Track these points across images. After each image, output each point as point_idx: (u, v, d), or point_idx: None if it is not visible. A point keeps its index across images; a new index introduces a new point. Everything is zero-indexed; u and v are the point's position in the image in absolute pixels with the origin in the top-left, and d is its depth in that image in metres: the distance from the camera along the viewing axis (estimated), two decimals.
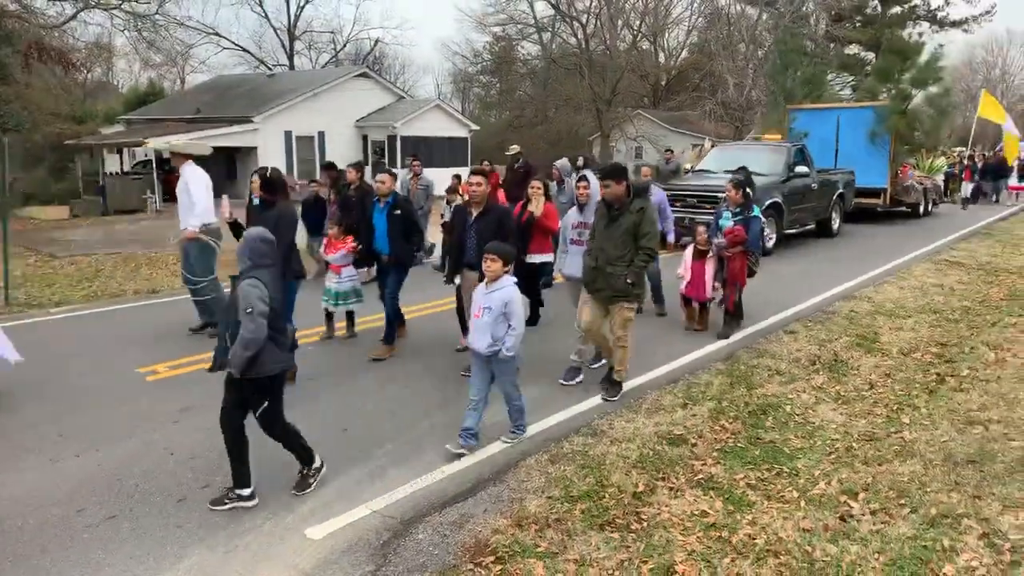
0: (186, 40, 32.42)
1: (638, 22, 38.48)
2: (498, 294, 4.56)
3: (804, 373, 6.31)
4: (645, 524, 3.85)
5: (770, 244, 12.26)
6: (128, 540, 3.69)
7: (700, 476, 4.39)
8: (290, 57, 42.41)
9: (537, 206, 7.30)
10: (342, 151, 25.16)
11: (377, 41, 45.93)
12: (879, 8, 39.32)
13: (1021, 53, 62.55)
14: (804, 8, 38.66)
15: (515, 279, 4.65)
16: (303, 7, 42.36)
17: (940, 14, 40.59)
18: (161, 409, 5.42)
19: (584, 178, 6.35)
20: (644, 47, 40.98)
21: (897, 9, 39.37)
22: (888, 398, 5.73)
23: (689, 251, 7.67)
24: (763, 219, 7.38)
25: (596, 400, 5.65)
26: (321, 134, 24.60)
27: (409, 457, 4.65)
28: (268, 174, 6.14)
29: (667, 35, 42.64)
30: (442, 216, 9.52)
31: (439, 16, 73.10)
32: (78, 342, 7.32)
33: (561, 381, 5.95)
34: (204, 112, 24.50)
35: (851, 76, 35.43)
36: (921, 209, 18.70)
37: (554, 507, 4.01)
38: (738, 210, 7.42)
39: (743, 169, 8.50)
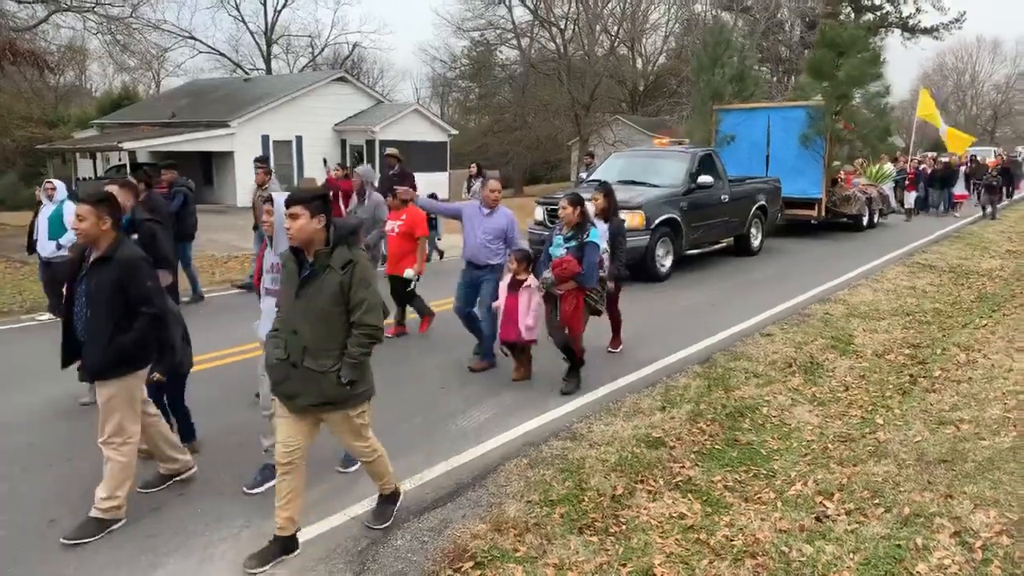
0: (161, 43, 31.91)
1: (616, 28, 38.74)
2: None
3: (780, 375, 6.37)
4: (624, 527, 3.86)
5: (665, 269, 10.64)
6: (101, 550, 3.63)
7: (678, 479, 4.42)
8: (267, 61, 42.15)
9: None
10: (320, 156, 25.06)
11: (355, 45, 45.87)
12: (852, 16, 40.00)
13: (990, 60, 63.80)
14: (779, 15, 39.27)
15: None
16: (280, 11, 42.05)
17: (912, 21, 41.43)
18: None
19: (270, 200, 4.08)
20: (622, 53, 41.27)
21: (870, 16, 40.06)
22: (863, 399, 5.81)
23: (505, 282, 6.09)
24: (602, 245, 5.98)
25: (576, 404, 5.66)
26: (299, 138, 24.43)
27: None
28: None
29: (645, 41, 43.00)
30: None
31: (417, 21, 73.17)
32: (52, 350, 7.18)
33: (245, 489, 4.23)
34: (180, 116, 24.23)
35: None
36: (864, 221, 16.67)
37: (533, 511, 4.01)
38: (571, 234, 5.86)
39: (604, 184, 7.04)
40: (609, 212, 6.64)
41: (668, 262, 10.75)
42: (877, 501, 4.10)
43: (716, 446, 4.91)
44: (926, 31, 41.78)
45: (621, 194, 9.95)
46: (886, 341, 7.42)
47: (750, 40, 36.00)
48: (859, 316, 8.44)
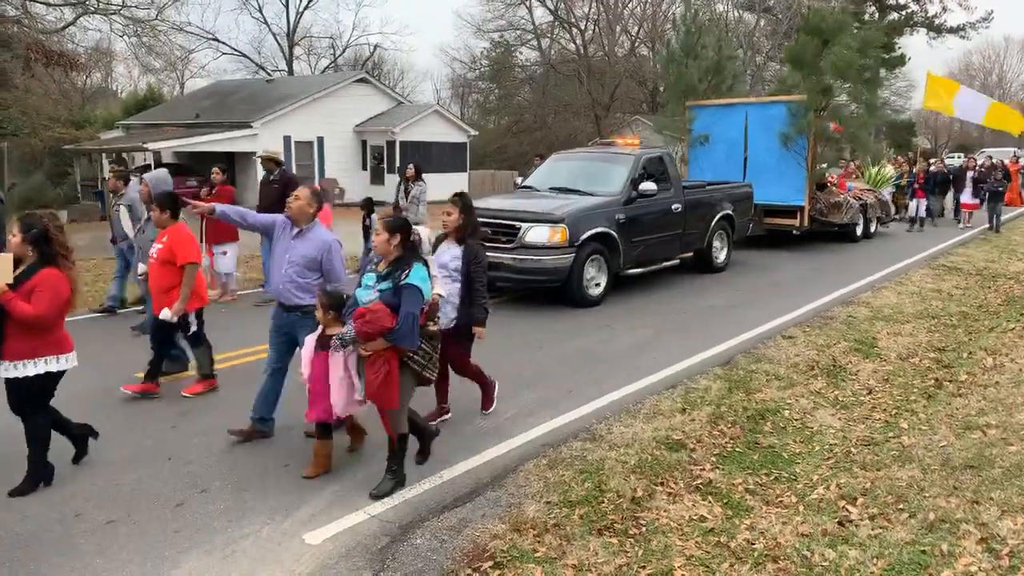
0: (186, 45, 32.52)
1: (636, 28, 38.64)
2: None
3: (803, 378, 6.31)
4: (644, 529, 3.85)
5: (596, 292, 9.05)
6: (126, 545, 3.69)
7: (699, 481, 4.39)
8: (289, 63, 42.50)
9: (4, 270, 4.04)
10: (341, 156, 25.26)
11: (376, 47, 46.03)
12: (876, 15, 39.51)
13: (1018, 59, 62.70)
14: (802, 14, 38.84)
15: None
16: (302, 13, 42.39)
17: (937, 20, 40.82)
18: (159, 414, 5.42)
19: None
20: (642, 53, 41.14)
21: (894, 16, 39.56)
22: (886, 403, 5.74)
23: (311, 339, 4.45)
24: (428, 291, 4.19)
25: (595, 405, 5.65)
26: (320, 139, 24.64)
27: (407, 462, 4.64)
28: None
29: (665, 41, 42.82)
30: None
31: (438, 22, 73.31)
32: (77, 346, 7.29)
33: None
34: (203, 117, 24.53)
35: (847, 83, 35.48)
36: (859, 231, 14.67)
37: (552, 512, 4.00)
38: (386, 272, 4.18)
39: (460, 195, 5.24)
40: (464, 233, 5.12)
41: (601, 284, 9.13)
42: (901, 506, 4.04)
43: (737, 449, 4.87)
44: (952, 30, 41.13)
45: (546, 203, 9.27)
46: (911, 344, 7.32)
47: (771, 40, 35.73)
48: (883, 319, 8.33)
